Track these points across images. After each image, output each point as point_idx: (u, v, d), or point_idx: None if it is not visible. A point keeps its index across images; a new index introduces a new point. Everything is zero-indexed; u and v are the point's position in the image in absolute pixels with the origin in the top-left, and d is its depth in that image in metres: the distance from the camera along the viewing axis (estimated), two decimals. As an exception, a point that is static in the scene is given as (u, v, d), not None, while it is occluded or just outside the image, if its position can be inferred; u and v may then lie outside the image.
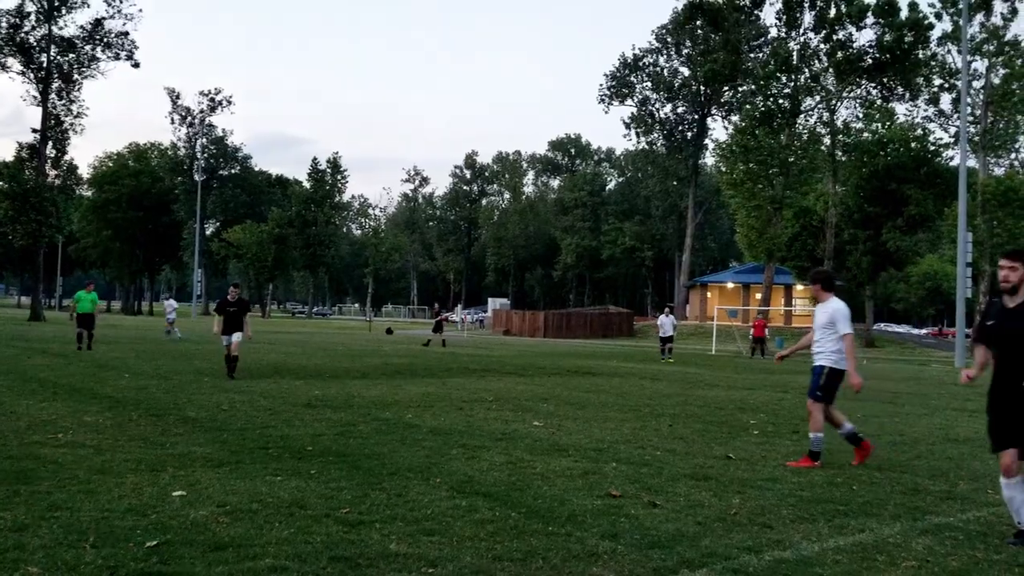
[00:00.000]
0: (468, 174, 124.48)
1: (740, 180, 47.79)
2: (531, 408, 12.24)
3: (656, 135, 79.59)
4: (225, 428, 9.26)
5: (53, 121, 52.68)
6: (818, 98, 50.27)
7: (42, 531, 4.89)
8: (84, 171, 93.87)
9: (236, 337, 15.74)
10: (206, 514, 5.42)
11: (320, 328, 59.76)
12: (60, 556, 4.43)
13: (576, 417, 11.34)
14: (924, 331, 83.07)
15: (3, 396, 11.47)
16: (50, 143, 52.88)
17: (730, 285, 68.16)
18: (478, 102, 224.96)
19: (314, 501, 5.90)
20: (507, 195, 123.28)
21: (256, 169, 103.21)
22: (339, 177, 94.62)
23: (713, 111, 74.89)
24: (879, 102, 50.19)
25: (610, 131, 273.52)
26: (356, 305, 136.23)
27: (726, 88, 60.55)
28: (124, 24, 56.93)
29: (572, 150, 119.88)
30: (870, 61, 48.47)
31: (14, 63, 51.33)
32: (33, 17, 51.21)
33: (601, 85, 79.00)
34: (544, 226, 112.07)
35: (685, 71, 75.92)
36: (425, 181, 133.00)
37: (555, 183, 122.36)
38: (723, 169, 51.94)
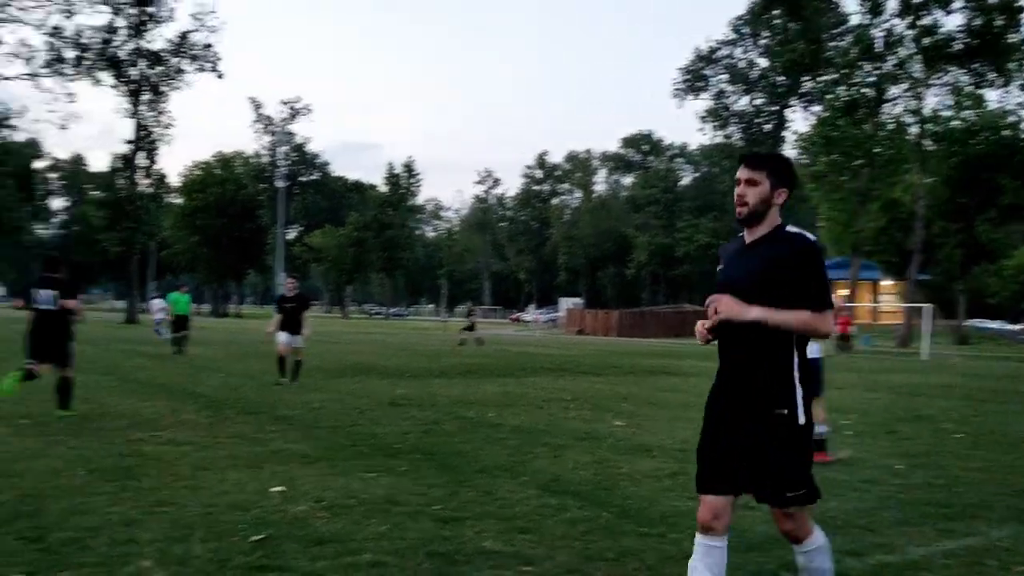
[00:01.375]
0: (539, 174, 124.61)
1: (823, 172, 46.61)
2: (610, 407, 12.17)
3: (733, 128, 78.15)
4: (317, 426, 9.49)
5: (144, 132, 54.74)
6: (905, 86, 48.58)
7: (151, 525, 5.09)
8: (173, 179, 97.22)
9: (297, 340, 13.96)
10: (305, 510, 5.57)
11: (398, 329, 60.63)
12: (170, 550, 4.60)
13: (657, 417, 11.24)
14: (1020, 327, 79.70)
15: (107, 395, 11.97)
16: (142, 153, 54.99)
17: (812, 281, 66.37)
18: (549, 101, 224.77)
19: (407, 498, 5.99)
20: (578, 194, 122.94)
21: (334, 175, 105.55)
22: (413, 180, 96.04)
23: (792, 102, 73.12)
24: (969, 89, 48.26)
25: (684, 126, 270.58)
26: (431, 306, 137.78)
27: (806, 78, 59.03)
28: (208, 36, 58.65)
29: (645, 146, 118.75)
30: (959, 46, 46.63)
31: (106, 77, 53.50)
32: (123, 32, 53.29)
33: (675, 79, 78.13)
34: (616, 224, 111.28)
35: (763, 62, 74.30)
36: (497, 182, 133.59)
37: (627, 180, 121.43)
38: (805, 161, 50.73)
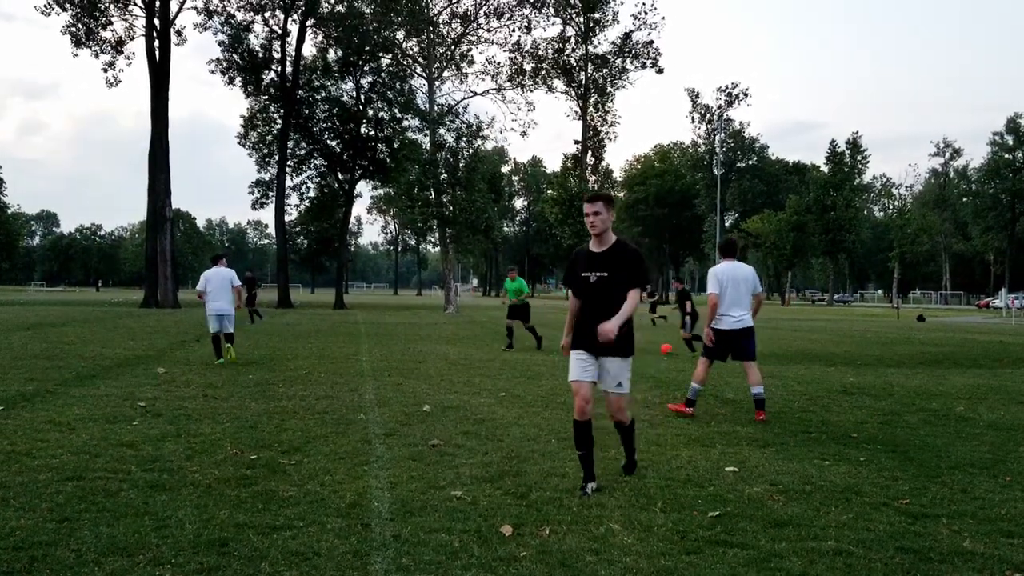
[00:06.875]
0: (1011, 140, 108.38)
1: None
2: (1122, 407, 10.18)
3: None
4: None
5: (591, 132, 58.89)
6: None
7: (615, 493, 5.46)
8: (617, 174, 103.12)
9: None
10: (760, 491, 5.54)
11: (842, 315, 57.34)
12: (635, 517, 4.89)
13: None
14: None
15: (564, 374, 13.10)
16: (589, 152, 59.23)
17: None
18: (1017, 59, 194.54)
19: (869, 489, 5.66)
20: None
21: (773, 158, 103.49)
22: (859, 158, 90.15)
23: None
24: None
25: None
26: (879, 291, 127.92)
27: None
28: (648, 34, 61.07)
29: None
30: None
31: (558, 83, 58.50)
32: (573, 40, 57.78)
33: None
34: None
35: None
36: (957, 153, 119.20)
37: None
38: None
